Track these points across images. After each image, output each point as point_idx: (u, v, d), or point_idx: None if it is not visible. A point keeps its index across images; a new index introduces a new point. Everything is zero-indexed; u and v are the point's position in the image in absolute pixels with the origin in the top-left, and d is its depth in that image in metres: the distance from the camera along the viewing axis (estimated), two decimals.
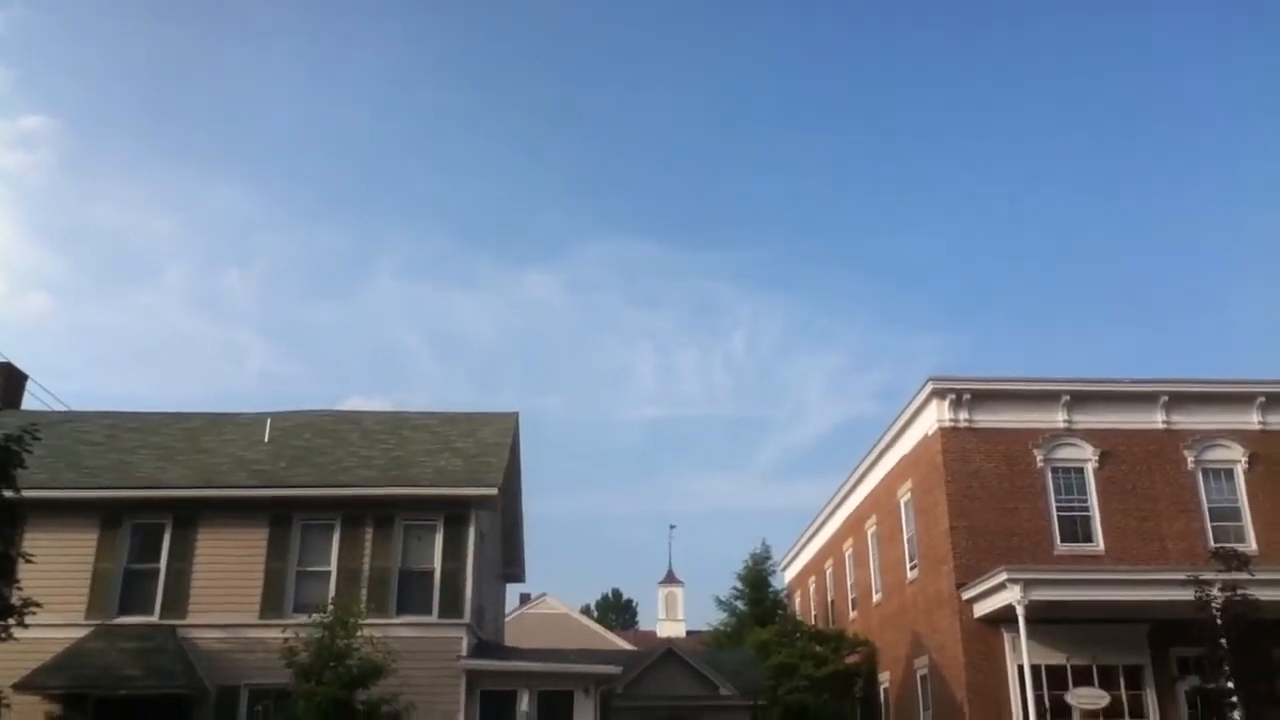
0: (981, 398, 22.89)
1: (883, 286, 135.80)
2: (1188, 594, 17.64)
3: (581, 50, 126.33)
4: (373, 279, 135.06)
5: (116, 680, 18.45)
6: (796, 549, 39.70)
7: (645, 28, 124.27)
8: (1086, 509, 22.32)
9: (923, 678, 24.01)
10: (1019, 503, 22.20)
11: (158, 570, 20.23)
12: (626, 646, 41.55)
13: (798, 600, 39.59)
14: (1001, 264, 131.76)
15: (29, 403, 26.09)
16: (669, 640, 37.03)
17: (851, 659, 28.34)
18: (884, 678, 27.58)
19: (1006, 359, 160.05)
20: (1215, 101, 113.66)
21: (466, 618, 20.08)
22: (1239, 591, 17.38)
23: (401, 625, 19.62)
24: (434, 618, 20.06)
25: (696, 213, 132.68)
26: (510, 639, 30.24)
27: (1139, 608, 20.01)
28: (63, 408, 25.94)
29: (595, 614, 74.56)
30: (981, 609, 20.89)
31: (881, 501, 27.67)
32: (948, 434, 22.72)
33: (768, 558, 41.94)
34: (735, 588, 41.94)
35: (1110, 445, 22.70)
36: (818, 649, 27.97)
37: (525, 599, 48.91)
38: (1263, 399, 23.14)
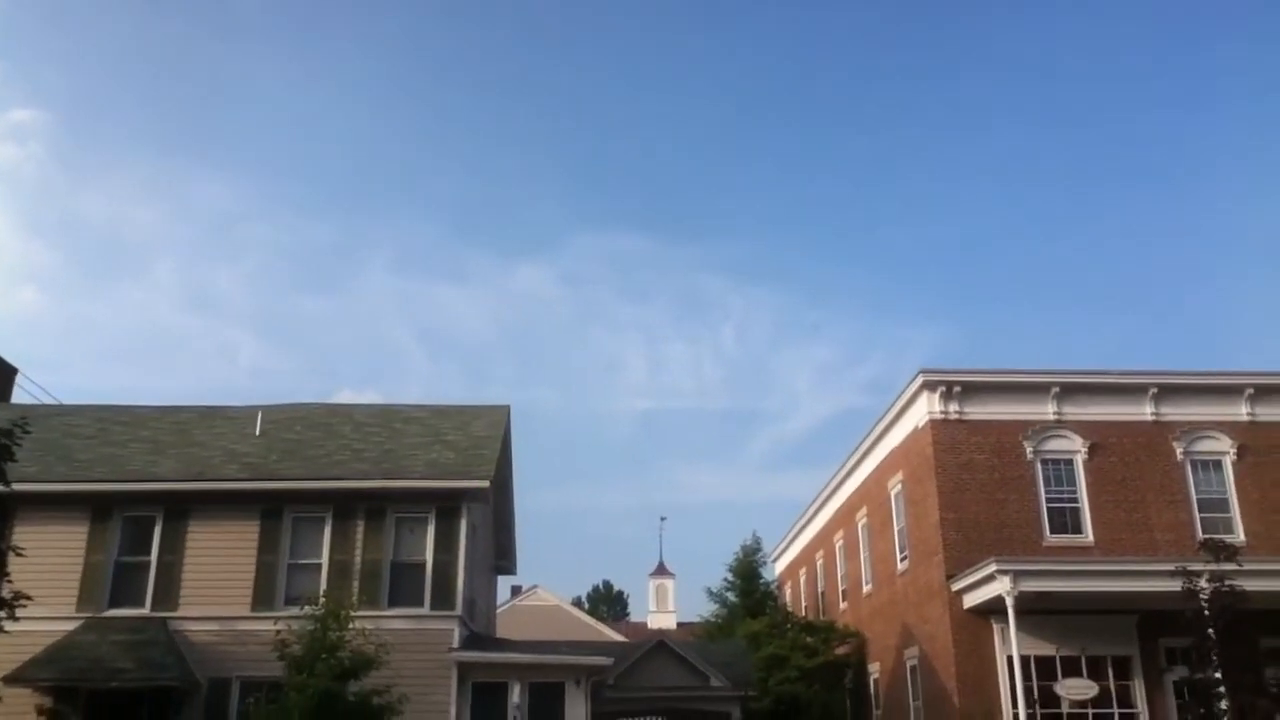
0: (972, 390, 22.97)
1: (874, 279, 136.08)
2: (1176, 585, 17.74)
3: (572, 43, 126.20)
4: (364, 272, 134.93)
5: (108, 673, 18.46)
6: (787, 541, 39.81)
7: (636, 21, 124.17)
8: (1076, 500, 22.42)
9: (913, 668, 24.11)
10: (1009, 494, 22.29)
11: (149, 563, 20.24)
12: (617, 638, 41.66)
13: (788, 592, 39.71)
14: (993, 256, 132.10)
15: (19, 396, 26.09)
16: (660, 632, 37.17)
17: (842, 650, 28.44)
18: (874, 668, 27.69)
19: (998, 351, 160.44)
20: (1204, 90, 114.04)
21: (458, 610, 20.12)
22: (1227, 582, 17.48)
23: (393, 617, 19.65)
24: (426, 610, 20.10)
25: (687, 206, 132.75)
26: (502, 631, 30.30)
27: (1128, 599, 20.13)
28: (53, 401, 25.91)
29: (586, 606, 74.60)
30: (971, 600, 20.98)
31: (872, 493, 27.75)
32: (938, 426, 22.80)
33: (758, 549, 42.07)
34: (726, 579, 42.05)
35: (1100, 437, 22.80)
36: (808, 640, 28.08)
37: (516, 591, 48.96)
38: (1251, 391, 23.26)
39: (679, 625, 57.86)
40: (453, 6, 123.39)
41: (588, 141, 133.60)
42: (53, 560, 19.64)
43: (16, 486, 16.17)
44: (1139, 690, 20.79)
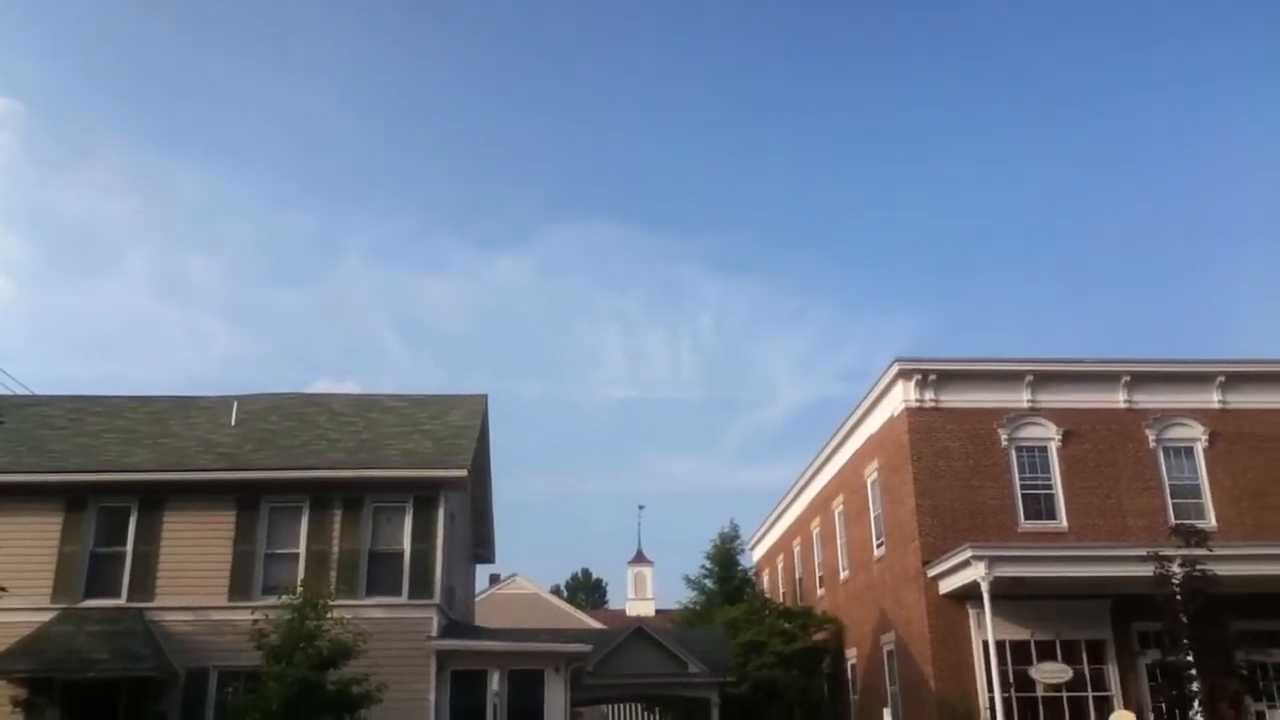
0: (947, 378, 23.10)
1: (850, 269, 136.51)
2: (1149, 570, 17.91)
3: (549, 33, 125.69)
4: (340, 263, 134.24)
5: (84, 663, 18.36)
6: (765, 528, 39.97)
7: (610, 12, 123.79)
8: (1050, 487, 22.60)
9: (889, 653, 24.29)
10: (984, 481, 22.44)
11: (124, 554, 20.12)
12: (596, 626, 41.72)
13: (766, 579, 39.89)
14: (969, 245, 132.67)
15: None
16: (638, 619, 37.24)
17: (819, 636, 28.60)
18: (851, 654, 27.87)
19: (976, 340, 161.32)
20: (1181, 73, 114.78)
21: (436, 598, 20.12)
22: (1198, 567, 17.68)
23: (371, 606, 19.64)
24: (404, 599, 20.09)
25: (663, 197, 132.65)
26: (480, 619, 30.32)
27: (1101, 584, 20.33)
28: (26, 392, 25.66)
29: (565, 594, 74.76)
30: (947, 586, 21.14)
31: (849, 481, 27.89)
32: (914, 414, 22.92)
33: (736, 537, 42.11)
34: (704, 566, 42.06)
35: (1073, 424, 22.98)
36: (786, 626, 28.21)
37: (495, 579, 49.00)
38: (1223, 378, 23.49)
39: (657, 612, 57.98)
40: None
41: (564, 133, 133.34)
42: (27, 551, 19.54)
43: None
44: (1112, 673, 21.01)
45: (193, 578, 19.95)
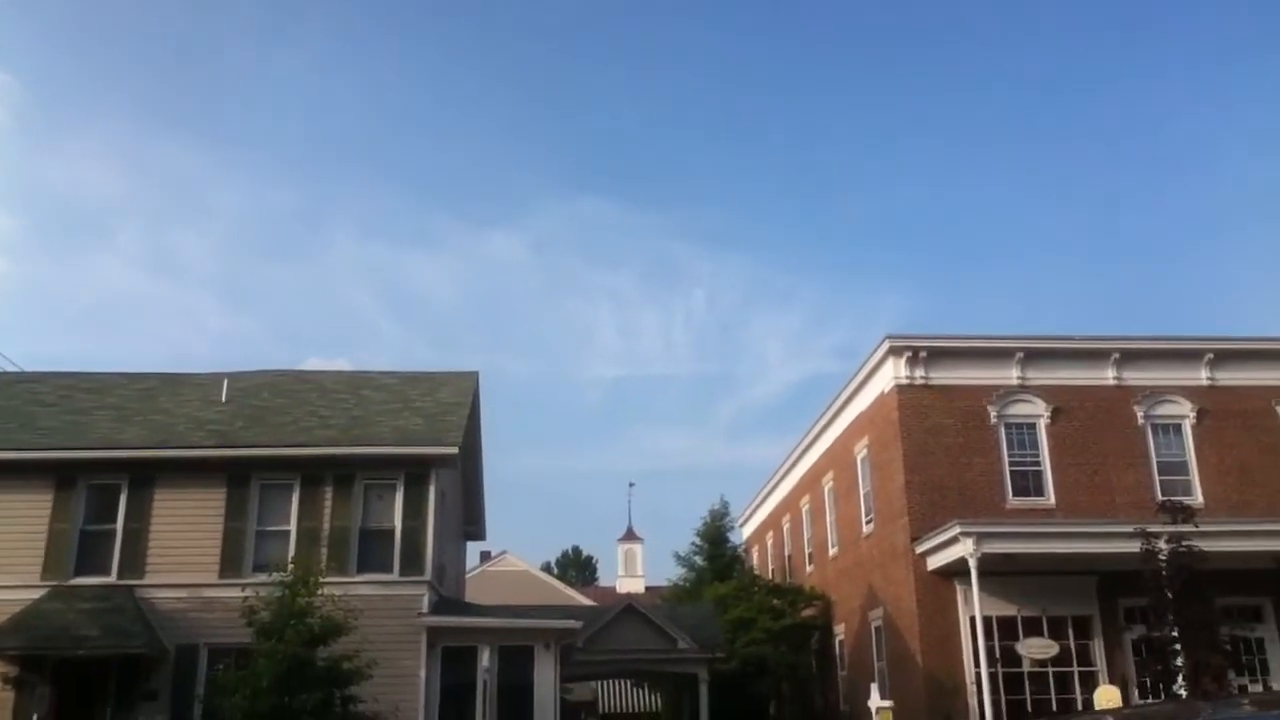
0: (937, 355, 23.16)
1: (842, 245, 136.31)
2: (1135, 546, 18.07)
3: (539, 10, 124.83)
4: (331, 239, 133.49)
5: (74, 640, 18.40)
6: (754, 505, 40.11)
7: None
8: (1038, 464, 22.71)
9: (877, 629, 24.44)
10: (973, 458, 22.54)
11: (114, 531, 20.13)
12: (586, 602, 41.81)
13: (755, 555, 40.06)
14: (963, 222, 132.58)
15: None
16: (629, 596, 37.45)
17: (808, 612, 28.77)
18: (839, 630, 28.04)
19: (968, 317, 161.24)
20: (1183, 53, 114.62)
21: (427, 575, 20.17)
22: (1184, 543, 17.83)
23: (362, 583, 19.70)
24: (395, 576, 20.15)
25: (655, 173, 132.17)
26: (471, 596, 30.38)
27: (1088, 560, 20.47)
28: (15, 368, 25.60)
29: (555, 571, 74.87)
30: (935, 562, 21.26)
31: (839, 458, 27.98)
32: (904, 391, 22.98)
33: (726, 514, 42.37)
34: (694, 543, 42.35)
35: (1062, 401, 23.08)
36: (775, 603, 28.37)
37: (486, 556, 49.04)
38: (1211, 355, 23.59)
39: (647, 589, 58.18)
40: None
41: (556, 109, 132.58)
42: (16, 529, 19.55)
43: None
44: (1098, 649, 21.19)
45: (183, 555, 19.97)
